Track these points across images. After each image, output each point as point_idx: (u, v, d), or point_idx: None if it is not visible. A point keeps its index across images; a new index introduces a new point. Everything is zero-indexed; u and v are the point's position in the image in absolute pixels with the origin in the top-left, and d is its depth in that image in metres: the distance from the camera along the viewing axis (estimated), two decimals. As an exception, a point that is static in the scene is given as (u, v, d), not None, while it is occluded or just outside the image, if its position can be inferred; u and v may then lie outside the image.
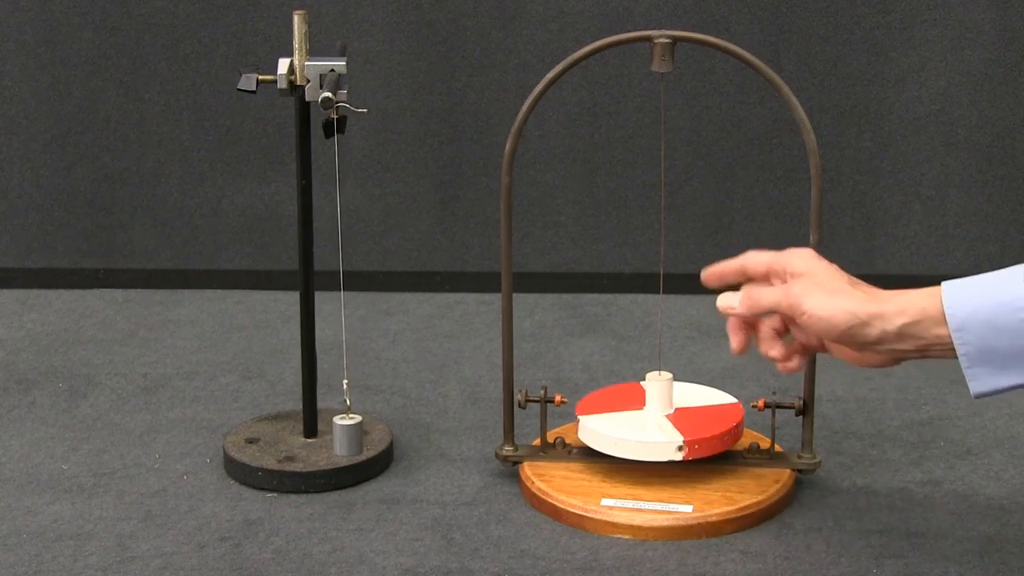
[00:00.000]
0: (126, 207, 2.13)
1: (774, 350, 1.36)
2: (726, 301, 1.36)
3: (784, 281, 1.34)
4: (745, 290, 1.36)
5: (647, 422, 1.53)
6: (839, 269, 1.33)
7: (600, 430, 1.51)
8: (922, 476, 1.58)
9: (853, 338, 1.28)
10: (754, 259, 1.37)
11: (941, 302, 1.24)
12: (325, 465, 1.55)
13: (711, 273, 1.37)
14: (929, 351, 1.28)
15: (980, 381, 1.25)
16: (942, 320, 1.25)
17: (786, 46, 2.05)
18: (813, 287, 1.30)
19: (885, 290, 1.30)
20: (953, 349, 1.25)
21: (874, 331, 1.27)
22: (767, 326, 1.37)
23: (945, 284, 1.26)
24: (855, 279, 1.32)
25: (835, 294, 1.29)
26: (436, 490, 1.55)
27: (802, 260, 1.34)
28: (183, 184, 2.12)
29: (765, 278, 1.37)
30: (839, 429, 1.68)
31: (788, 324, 1.36)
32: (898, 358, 1.30)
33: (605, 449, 1.51)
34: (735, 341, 1.38)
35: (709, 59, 2.05)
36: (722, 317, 1.36)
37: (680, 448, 1.49)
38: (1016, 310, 1.22)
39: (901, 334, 1.27)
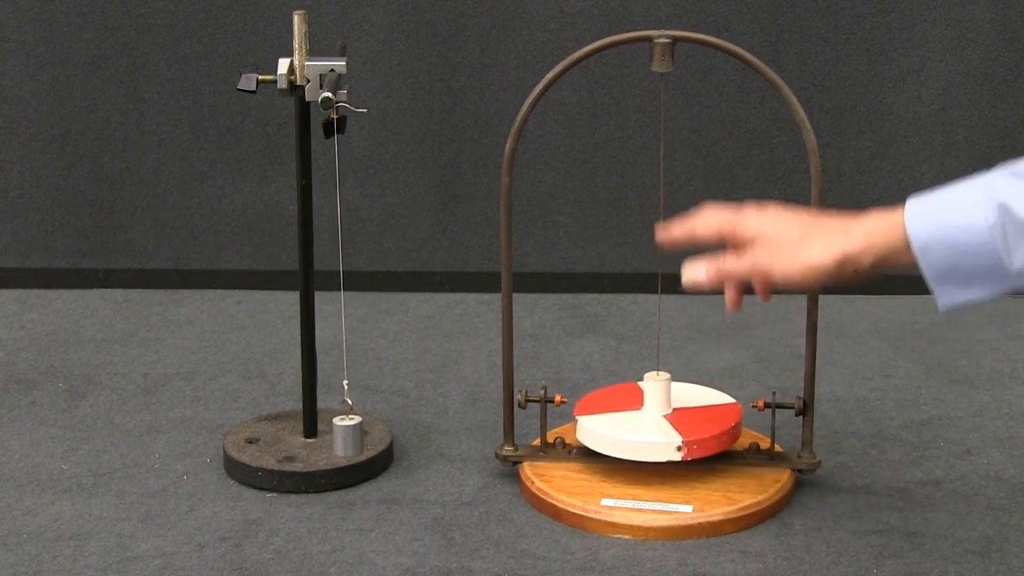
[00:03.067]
0: (126, 207, 2.13)
1: (733, 295, 1.36)
2: (691, 275, 1.36)
3: (738, 244, 1.33)
4: (711, 264, 1.35)
5: (646, 422, 1.53)
6: (788, 211, 1.32)
7: (599, 430, 1.51)
8: (922, 476, 1.58)
9: (831, 281, 1.29)
10: (703, 223, 1.36)
11: (904, 228, 1.25)
12: (325, 465, 1.55)
13: (663, 239, 1.37)
14: (898, 268, 1.28)
15: (947, 296, 1.27)
16: (908, 247, 1.26)
17: (786, 46, 2.05)
18: (775, 252, 1.30)
19: (844, 219, 1.29)
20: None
21: (846, 271, 1.28)
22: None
23: (908, 205, 1.26)
24: (811, 216, 1.31)
25: (798, 251, 1.29)
26: (436, 490, 1.55)
27: (751, 224, 1.33)
28: (183, 184, 2.12)
29: (719, 239, 1.35)
30: (839, 429, 1.68)
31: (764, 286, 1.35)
32: (869, 278, 1.31)
33: (604, 450, 1.51)
34: (732, 303, 1.37)
35: (709, 59, 2.05)
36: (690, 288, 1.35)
37: (679, 448, 1.49)
38: (976, 233, 1.24)
39: (872, 264, 1.28)
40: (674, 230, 1.37)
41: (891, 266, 1.29)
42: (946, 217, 1.25)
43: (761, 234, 1.32)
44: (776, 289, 1.34)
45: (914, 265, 1.27)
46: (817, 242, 1.29)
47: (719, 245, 1.36)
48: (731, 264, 1.33)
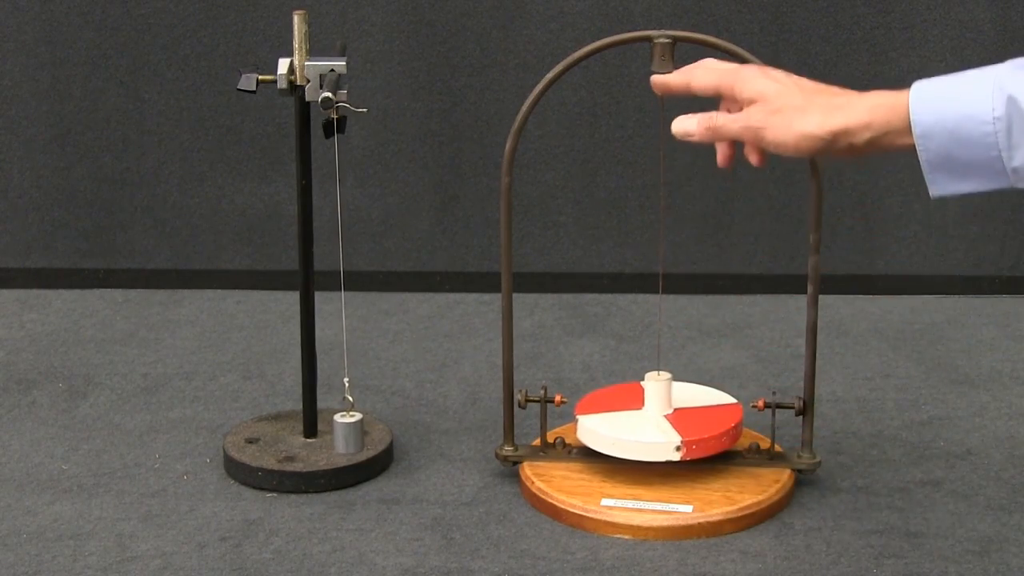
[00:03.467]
0: (126, 207, 2.13)
1: (724, 153, 1.35)
2: (682, 125, 1.33)
3: (734, 103, 1.31)
4: (703, 117, 1.32)
5: (646, 422, 1.53)
6: (791, 77, 1.30)
7: (599, 430, 1.51)
8: (922, 476, 1.58)
9: (822, 156, 1.27)
10: (701, 79, 1.33)
11: (907, 110, 1.23)
12: (325, 465, 1.55)
13: (656, 82, 1.34)
14: (892, 151, 1.26)
15: (939, 185, 1.23)
16: (907, 130, 1.23)
17: (786, 46, 2.05)
18: (772, 115, 1.27)
19: (846, 93, 1.27)
20: (915, 150, 1.24)
21: (840, 146, 1.25)
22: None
23: (914, 88, 1.24)
24: (811, 83, 1.29)
25: (795, 118, 1.26)
26: (436, 490, 1.55)
27: (752, 84, 1.29)
28: (183, 184, 2.13)
29: (715, 96, 1.33)
30: (839, 429, 1.68)
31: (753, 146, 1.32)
32: (864, 155, 1.29)
33: (604, 449, 1.51)
34: (722, 159, 1.35)
35: (709, 59, 2.05)
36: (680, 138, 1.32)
37: (678, 448, 1.49)
38: (981, 123, 1.22)
39: (868, 143, 1.25)
40: (671, 80, 1.34)
41: (886, 148, 1.26)
42: (952, 104, 1.23)
43: (760, 95, 1.29)
44: (766, 155, 1.31)
45: (910, 149, 1.24)
46: (815, 111, 1.26)
47: (715, 101, 1.33)
48: (724, 120, 1.30)
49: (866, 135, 1.24)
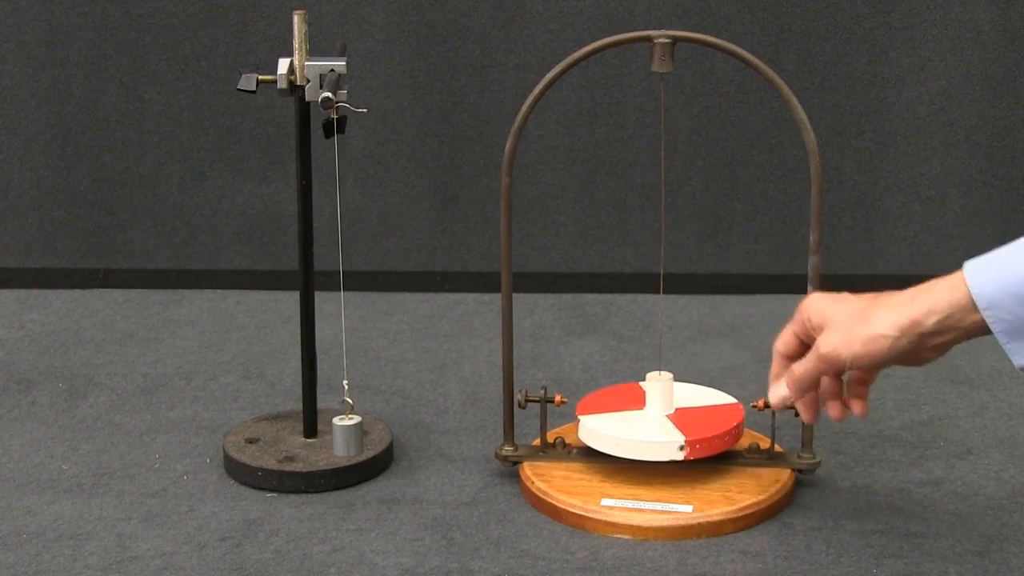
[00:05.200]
0: (126, 207, 2.13)
1: (835, 411, 1.34)
2: (776, 395, 1.34)
3: (813, 339, 1.31)
4: (786, 375, 1.33)
5: (648, 422, 1.53)
6: (850, 296, 1.30)
7: (601, 430, 1.51)
8: (922, 476, 1.58)
9: (899, 355, 1.26)
10: (783, 343, 1.34)
11: (967, 288, 1.22)
12: (325, 465, 1.55)
13: (777, 403, 1.35)
14: (970, 335, 1.25)
15: (1022, 354, 1.22)
16: (972, 306, 1.22)
17: (786, 46, 2.05)
18: (839, 333, 1.27)
19: (904, 291, 1.26)
20: (989, 329, 1.22)
21: (912, 340, 1.24)
22: (824, 386, 1.34)
23: (967, 265, 1.23)
24: (871, 296, 1.29)
25: (860, 326, 1.26)
26: (436, 490, 1.55)
27: (816, 310, 1.30)
28: (183, 184, 2.12)
29: (803, 348, 1.33)
30: (839, 429, 1.68)
31: (837, 375, 1.33)
32: (944, 350, 1.28)
33: (606, 449, 1.51)
34: (806, 415, 1.36)
35: (709, 59, 2.05)
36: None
37: (681, 448, 1.49)
38: None
39: (938, 331, 1.24)
40: (778, 389, 1.34)
41: (960, 333, 1.25)
42: (1008, 269, 1.21)
43: (825, 322, 1.29)
44: (864, 401, 1.33)
45: (983, 327, 1.23)
46: (879, 313, 1.25)
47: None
48: (801, 366, 1.30)
49: (932, 320, 1.23)
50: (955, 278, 1.23)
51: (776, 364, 1.34)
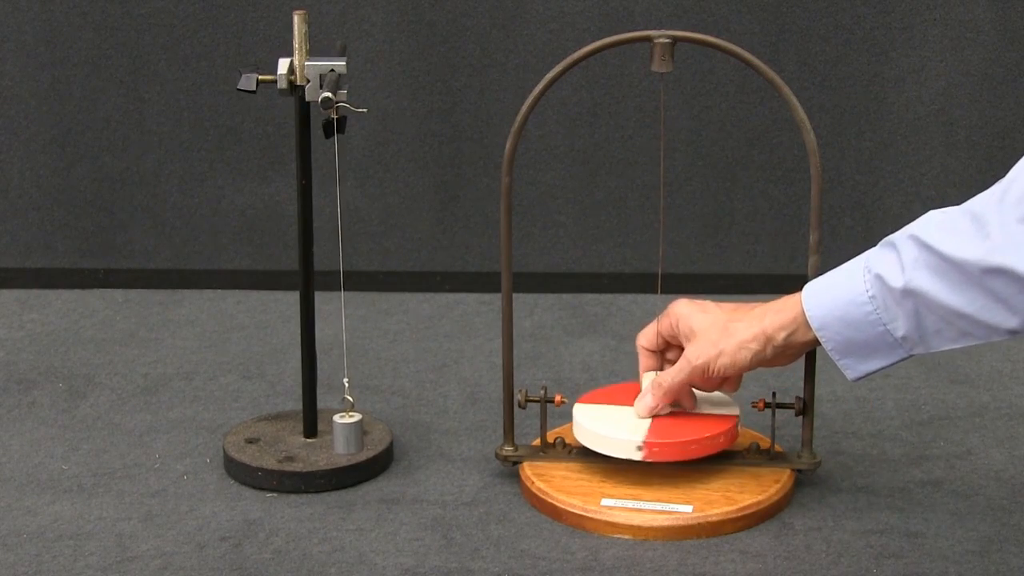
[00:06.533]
0: (126, 207, 2.13)
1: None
2: (642, 405, 1.50)
3: (679, 340, 1.46)
4: (651, 384, 1.49)
5: (625, 419, 1.52)
6: (712, 305, 1.45)
7: (580, 421, 1.51)
8: (922, 476, 1.58)
9: (759, 362, 1.41)
10: (648, 340, 1.50)
11: (803, 308, 1.38)
12: (325, 465, 1.55)
13: (644, 414, 1.52)
14: (816, 345, 1.41)
15: (852, 368, 1.38)
16: (809, 325, 1.38)
17: (786, 46, 2.05)
18: (705, 345, 1.42)
19: (760, 307, 1.42)
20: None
21: (769, 350, 1.40)
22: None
23: (806, 288, 1.38)
24: (731, 307, 1.44)
25: (724, 339, 1.42)
26: (436, 490, 1.55)
27: (685, 319, 1.45)
28: (183, 184, 2.12)
29: (664, 345, 1.50)
30: (839, 429, 1.68)
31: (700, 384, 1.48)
32: (798, 356, 1.44)
33: (578, 436, 1.52)
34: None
35: (709, 59, 2.05)
36: None
37: (639, 448, 1.48)
38: (861, 305, 1.34)
39: (788, 344, 1.40)
40: (645, 400, 1.50)
41: (807, 344, 1.41)
42: (834, 294, 1.36)
43: (692, 333, 1.44)
44: (735, 379, 1.48)
45: (817, 342, 1.39)
46: (740, 327, 1.41)
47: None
48: (668, 376, 1.47)
49: (782, 335, 1.40)
50: (795, 299, 1.39)
51: (643, 358, 1.51)
